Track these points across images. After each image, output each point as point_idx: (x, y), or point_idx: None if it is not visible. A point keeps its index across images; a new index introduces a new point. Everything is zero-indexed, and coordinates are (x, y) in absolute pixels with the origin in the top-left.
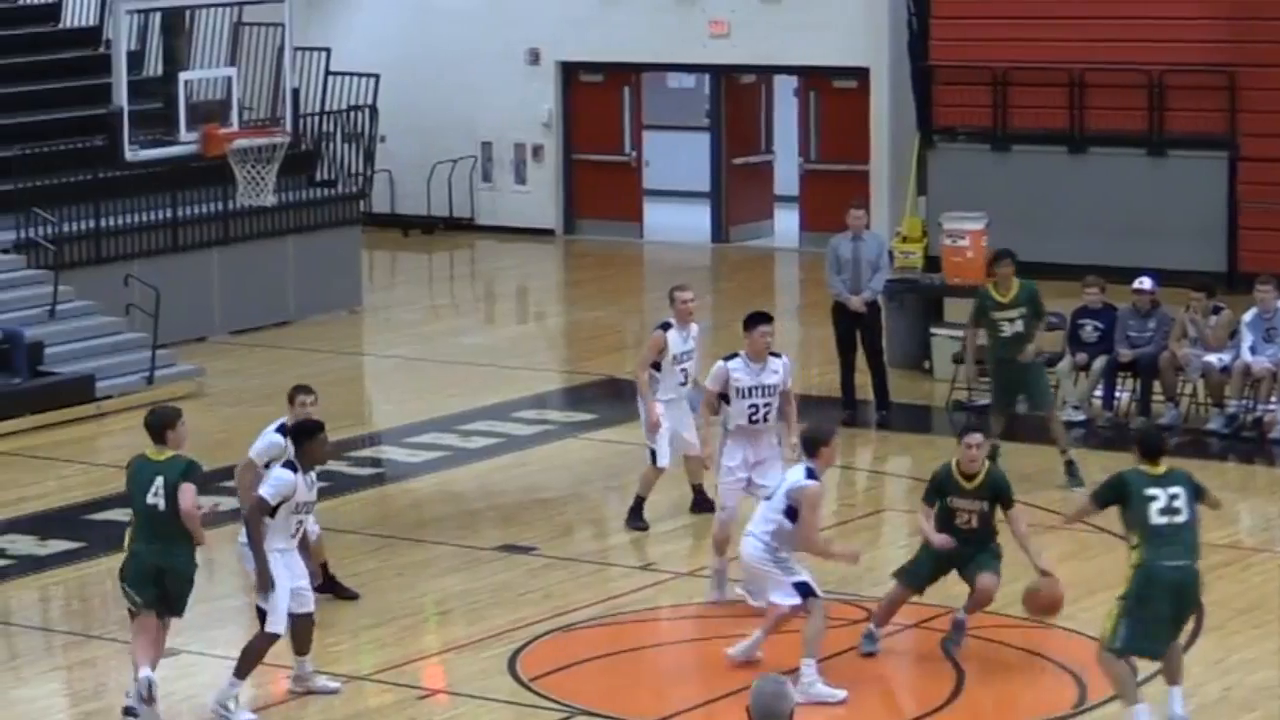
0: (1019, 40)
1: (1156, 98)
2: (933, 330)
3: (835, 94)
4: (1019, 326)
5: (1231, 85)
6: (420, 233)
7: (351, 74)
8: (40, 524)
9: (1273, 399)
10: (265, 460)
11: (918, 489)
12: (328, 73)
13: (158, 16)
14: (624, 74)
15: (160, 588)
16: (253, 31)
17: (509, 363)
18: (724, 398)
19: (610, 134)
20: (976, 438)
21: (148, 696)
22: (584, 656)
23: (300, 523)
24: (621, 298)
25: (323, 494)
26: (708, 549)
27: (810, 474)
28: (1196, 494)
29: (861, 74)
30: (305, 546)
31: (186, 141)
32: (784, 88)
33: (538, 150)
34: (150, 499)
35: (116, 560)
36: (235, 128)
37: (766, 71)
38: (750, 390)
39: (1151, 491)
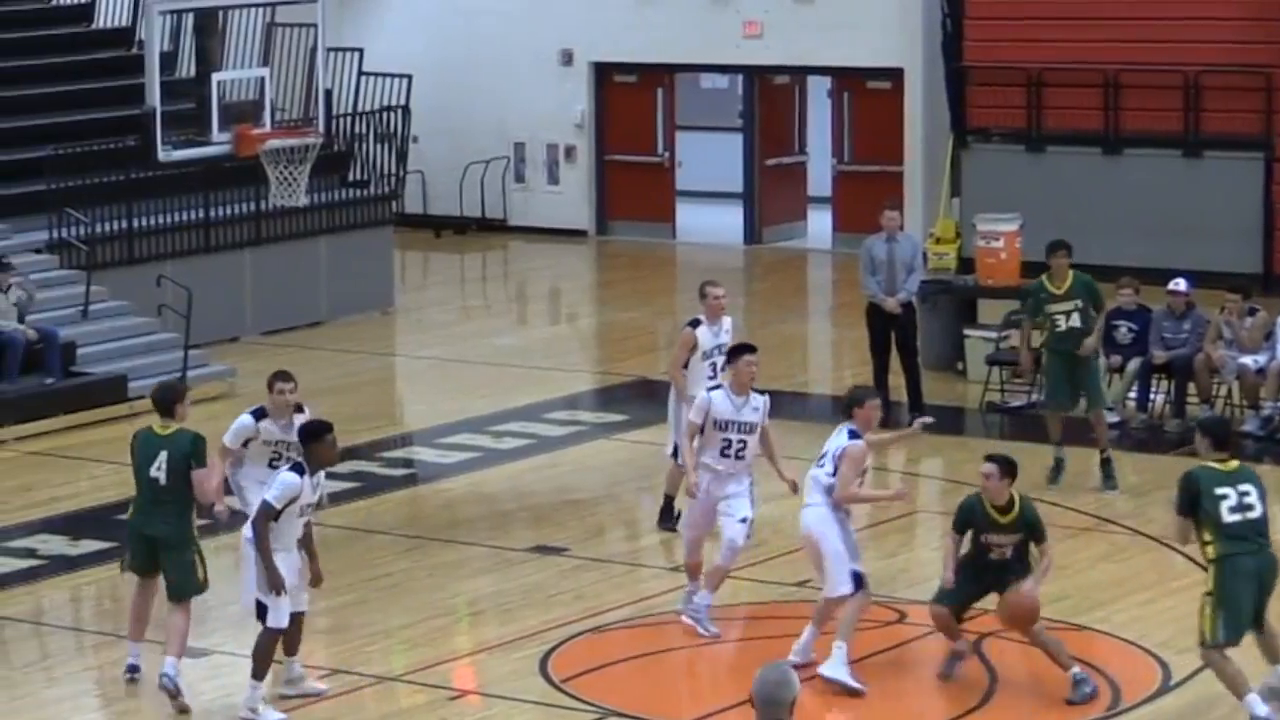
0: (1053, 41)
1: (1192, 98)
2: (966, 332)
3: (869, 95)
4: (1075, 320)
5: (1268, 86)
6: (453, 233)
7: (384, 74)
8: (72, 524)
9: None
10: (240, 441)
11: (951, 490)
12: (360, 73)
13: (190, 17)
14: (657, 74)
15: (153, 558)
16: (285, 32)
17: (541, 364)
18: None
19: (643, 135)
20: (989, 468)
21: (128, 679)
22: (616, 658)
23: (305, 524)
24: (654, 299)
25: (355, 494)
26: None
27: (852, 434)
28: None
29: (895, 75)
30: (309, 542)
31: (219, 142)
32: (817, 88)
33: (570, 151)
34: (154, 472)
35: None
36: (268, 128)
37: (800, 72)
38: (728, 424)
39: (1222, 490)
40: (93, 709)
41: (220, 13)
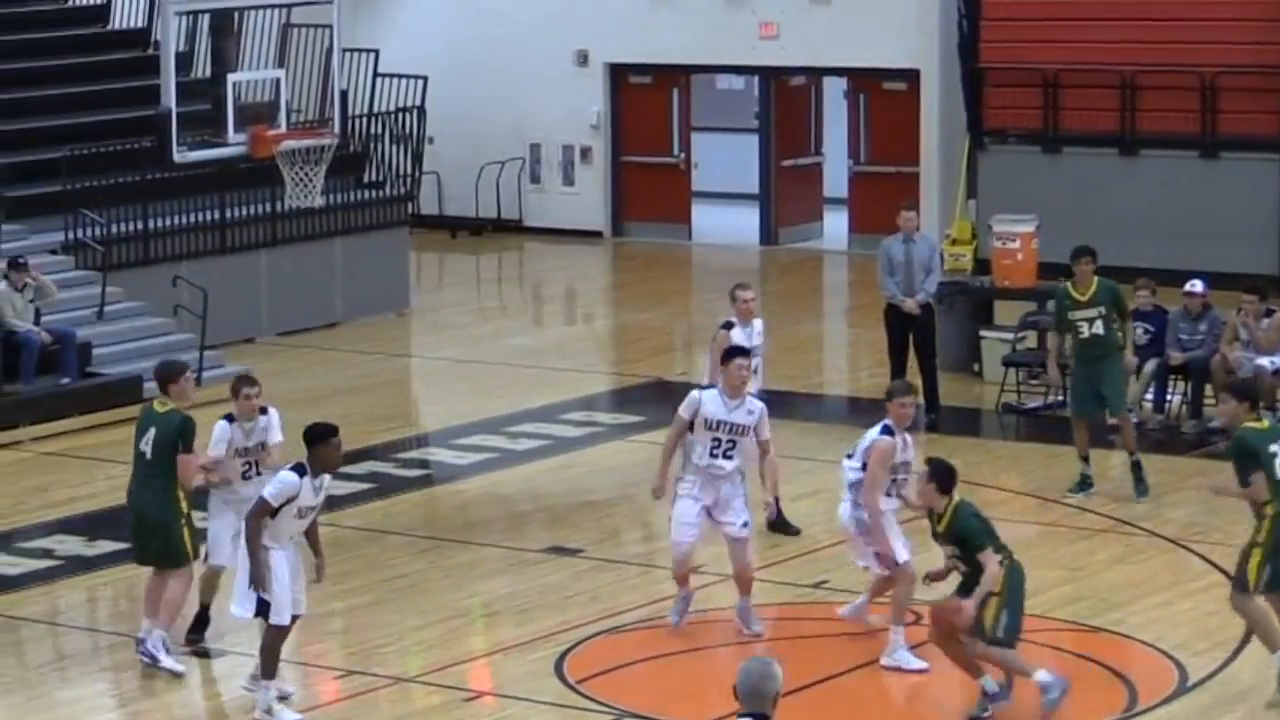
0: (1070, 42)
1: (1208, 99)
2: (982, 333)
3: (885, 96)
4: (1098, 328)
5: None
6: (468, 234)
7: (400, 75)
8: (88, 524)
9: None
10: (222, 449)
11: (967, 491)
12: (376, 74)
13: (206, 18)
14: (673, 75)
15: (140, 535)
16: (301, 33)
17: (557, 365)
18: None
19: (659, 136)
20: (921, 470)
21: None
22: (631, 659)
23: (310, 525)
24: (669, 300)
25: (371, 495)
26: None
27: (885, 430)
28: None
29: (911, 76)
30: (315, 540)
31: (235, 143)
32: (834, 89)
33: (586, 152)
34: (143, 446)
35: None
36: (283, 129)
37: (816, 73)
38: (717, 424)
39: (1272, 448)
40: (108, 709)
41: (236, 14)
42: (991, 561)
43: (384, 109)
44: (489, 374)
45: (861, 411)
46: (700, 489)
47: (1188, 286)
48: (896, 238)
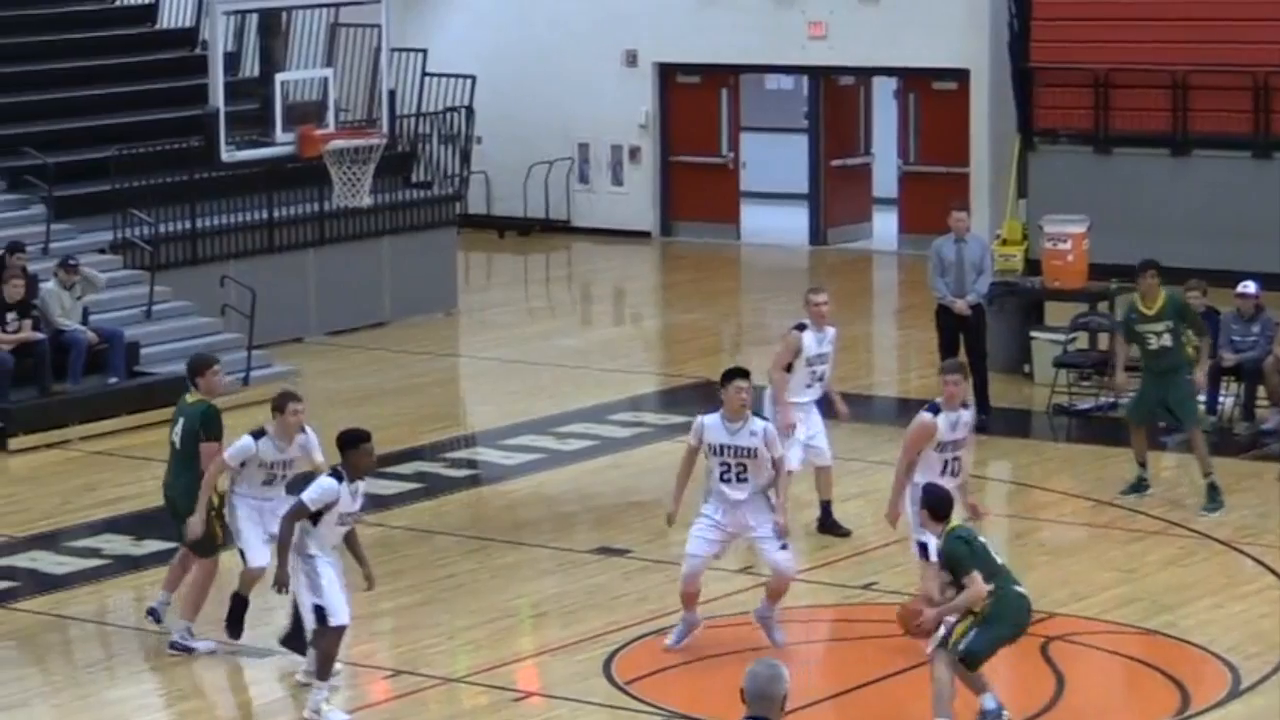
0: (1121, 42)
1: (1261, 99)
2: (1033, 334)
3: (935, 96)
4: (1166, 340)
5: None
6: (516, 234)
7: (448, 75)
8: (136, 524)
9: None
10: (238, 461)
11: (1019, 493)
12: (424, 74)
13: (254, 17)
14: (722, 75)
15: (172, 518)
16: (349, 32)
17: (604, 365)
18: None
19: (708, 136)
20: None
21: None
22: (680, 660)
23: (350, 534)
24: (718, 300)
25: (419, 495)
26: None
27: (931, 407)
28: None
29: (961, 76)
30: (355, 546)
31: (283, 142)
32: (883, 89)
33: (635, 152)
34: (173, 436)
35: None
36: (331, 129)
37: (865, 73)
38: (722, 449)
39: None
40: (156, 709)
41: (284, 13)
42: (975, 583)
43: (432, 109)
44: (537, 374)
45: (911, 412)
46: (721, 514)
47: (1240, 288)
48: (948, 238)
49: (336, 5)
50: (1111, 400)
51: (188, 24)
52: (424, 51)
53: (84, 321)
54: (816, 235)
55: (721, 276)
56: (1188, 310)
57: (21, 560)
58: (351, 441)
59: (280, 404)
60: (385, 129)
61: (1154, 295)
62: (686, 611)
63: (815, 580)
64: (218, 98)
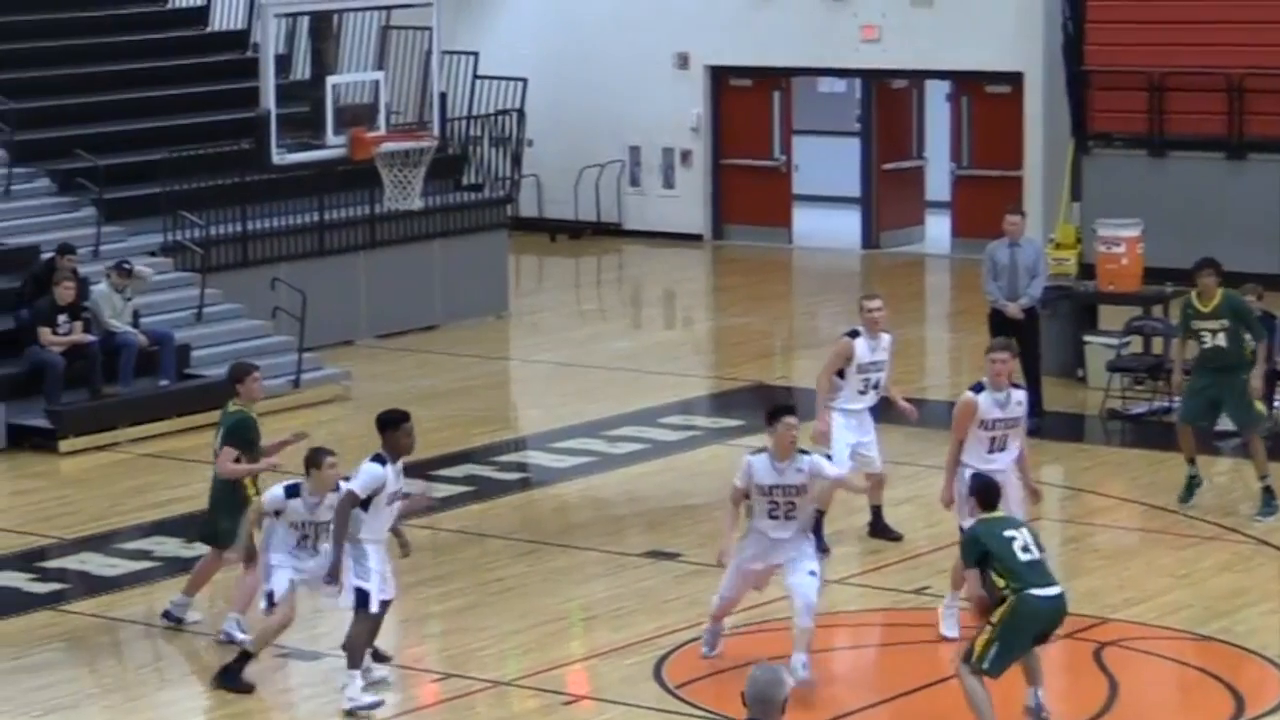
0: (1176, 45)
1: None
2: (1086, 338)
3: (988, 99)
4: (1221, 339)
5: None
6: (567, 237)
7: (499, 78)
8: (186, 526)
9: None
10: (272, 509)
11: (1071, 498)
12: (475, 76)
13: (305, 20)
14: (774, 78)
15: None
16: (400, 35)
17: (656, 368)
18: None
19: (759, 139)
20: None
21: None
22: (730, 664)
23: (395, 512)
24: (770, 304)
25: (470, 498)
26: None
27: (975, 387)
28: None
29: (1015, 79)
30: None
31: (334, 145)
32: (936, 92)
33: (686, 155)
34: (214, 441)
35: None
36: (382, 131)
37: (918, 76)
38: (771, 489)
39: None
40: (205, 710)
41: (335, 16)
42: (971, 579)
43: (483, 111)
44: (587, 377)
45: None
46: (755, 554)
47: None
48: (1002, 242)
49: (388, 8)
50: (1165, 404)
51: (239, 27)
52: (475, 54)
53: (135, 324)
54: (869, 239)
55: (773, 280)
56: (1245, 310)
57: (72, 562)
58: (392, 422)
59: (316, 459)
60: (436, 132)
61: (1211, 293)
62: (714, 623)
63: (866, 585)
64: (269, 100)
